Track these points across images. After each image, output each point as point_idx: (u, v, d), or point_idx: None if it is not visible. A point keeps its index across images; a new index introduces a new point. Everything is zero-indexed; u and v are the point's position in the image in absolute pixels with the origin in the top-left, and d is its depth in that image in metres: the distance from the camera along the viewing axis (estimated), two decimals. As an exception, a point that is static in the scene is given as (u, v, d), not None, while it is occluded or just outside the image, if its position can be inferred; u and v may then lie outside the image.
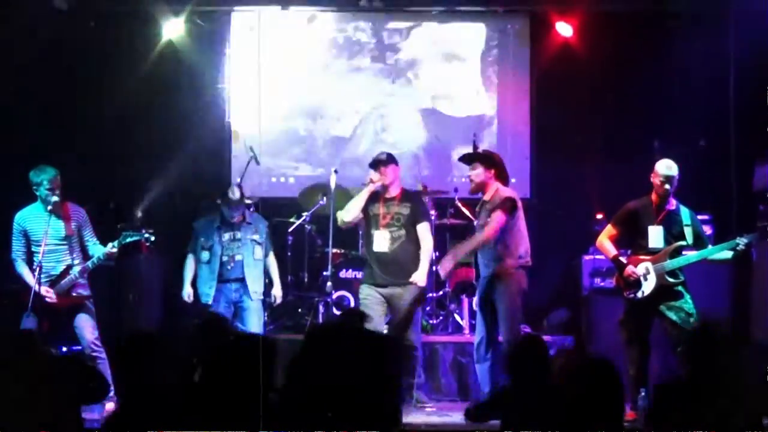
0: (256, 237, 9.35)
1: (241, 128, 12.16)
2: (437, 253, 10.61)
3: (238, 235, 9.31)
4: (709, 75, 11.08)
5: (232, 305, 9.26)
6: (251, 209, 10.35)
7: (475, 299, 8.84)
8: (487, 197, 8.58)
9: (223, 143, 12.26)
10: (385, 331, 8.95)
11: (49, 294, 8.37)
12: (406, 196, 9.14)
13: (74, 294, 8.54)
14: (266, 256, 9.44)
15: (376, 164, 9.03)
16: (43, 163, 8.59)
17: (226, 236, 9.30)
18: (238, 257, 9.28)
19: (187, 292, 9.32)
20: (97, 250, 8.60)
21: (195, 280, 9.40)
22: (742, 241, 8.21)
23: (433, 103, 12.41)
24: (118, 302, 10.29)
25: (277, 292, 9.50)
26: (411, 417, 8.39)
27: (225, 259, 9.25)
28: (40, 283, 8.33)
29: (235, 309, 9.27)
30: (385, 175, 8.97)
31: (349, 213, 9.06)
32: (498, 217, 8.35)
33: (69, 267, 8.52)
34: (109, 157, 11.48)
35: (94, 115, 11.43)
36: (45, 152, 9.69)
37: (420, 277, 8.89)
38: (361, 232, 10.26)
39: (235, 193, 9.28)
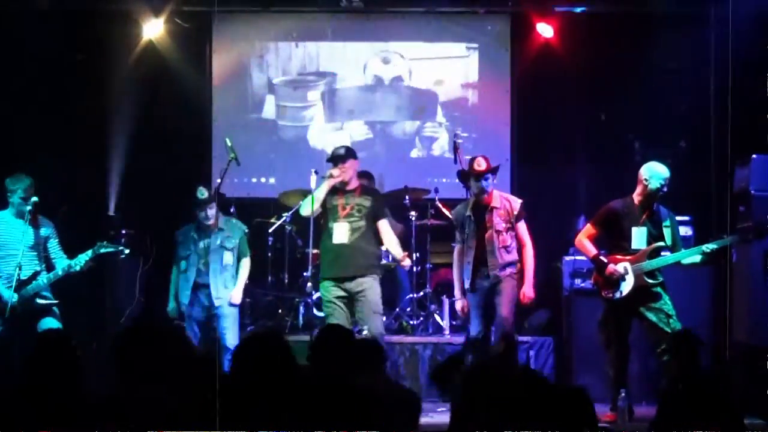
0: (226, 243, 9.17)
1: (223, 129, 12.16)
2: (417, 254, 10.65)
3: (209, 241, 9.16)
4: (690, 76, 11.11)
5: (205, 310, 9.12)
6: (232, 210, 10.32)
7: (473, 299, 8.80)
8: (495, 203, 8.77)
9: (204, 144, 12.24)
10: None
11: (12, 299, 8.34)
12: (366, 189, 9.12)
13: (39, 300, 8.51)
14: (238, 260, 9.27)
15: (335, 159, 8.88)
16: (25, 163, 8.61)
17: (201, 244, 9.16)
18: (207, 264, 9.14)
19: (172, 308, 9.19)
20: (63, 262, 8.59)
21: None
22: (708, 247, 8.24)
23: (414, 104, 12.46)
24: (94, 304, 10.26)
25: (234, 294, 9.18)
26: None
27: (200, 267, 9.14)
28: (18, 286, 8.34)
29: (209, 314, 9.13)
30: (344, 170, 8.83)
31: (307, 207, 8.87)
32: (526, 227, 8.85)
33: (36, 273, 8.49)
34: (89, 158, 11.44)
35: (73, 115, 11.39)
36: (24, 152, 9.68)
37: (405, 260, 9.09)
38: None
39: (203, 193, 9.09)
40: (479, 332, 8.70)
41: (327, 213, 8.87)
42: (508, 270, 8.70)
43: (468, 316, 9.00)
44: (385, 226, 8.99)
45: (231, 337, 9.05)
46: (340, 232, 8.78)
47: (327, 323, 8.33)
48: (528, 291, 8.72)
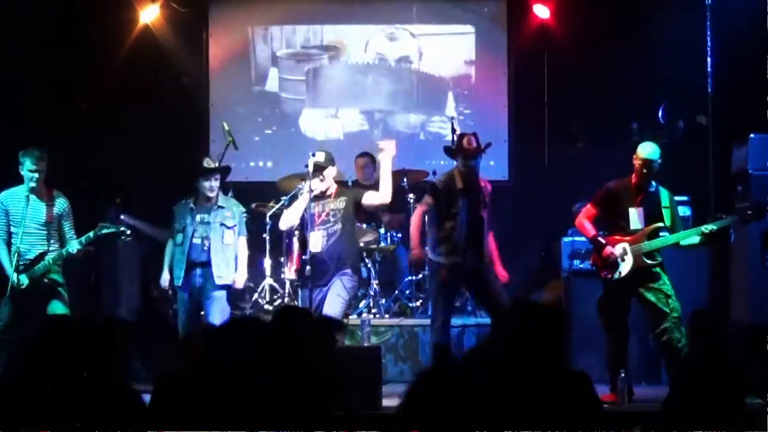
0: (227, 222, 9.06)
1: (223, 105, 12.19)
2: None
3: (208, 218, 9.04)
4: (687, 56, 11.09)
5: (196, 291, 9.02)
6: (229, 194, 10.32)
7: (451, 277, 8.68)
8: (483, 184, 8.75)
9: (201, 128, 12.24)
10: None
11: (20, 280, 8.36)
12: (341, 191, 8.87)
13: (47, 280, 8.51)
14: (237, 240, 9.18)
15: (317, 169, 8.65)
16: (19, 148, 8.60)
17: (198, 218, 9.04)
18: (206, 241, 9.01)
19: (165, 278, 9.10)
20: (72, 245, 8.59)
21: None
22: (708, 228, 8.22)
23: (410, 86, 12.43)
24: (95, 288, 10.26)
25: (238, 277, 9.13)
26: (389, 400, 8.34)
27: (196, 241, 9.01)
28: (18, 270, 8.33)
29: (198, 297, 9.03)
30: (326, 179, 8.70)
31: (286, 223, 8.85)
32: None
33: (44, 253, 8.49)
34: (87, 142, 11.43)
35: (71, 100, 11.39)
36: (21, 137, 9.68)
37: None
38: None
39: (209, 163, 9.07)
40: (443, 321, 8.67)
41: (304, 222, 8.73)
42: (489, 253, 8.76)
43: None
44: (370, 192, 8.81)
45: (219, 321, 8.99)
46: (315, 241, 8.62)
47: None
48: (503, 271, 8.85)
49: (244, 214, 9.32)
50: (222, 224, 9.06)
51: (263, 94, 12.51)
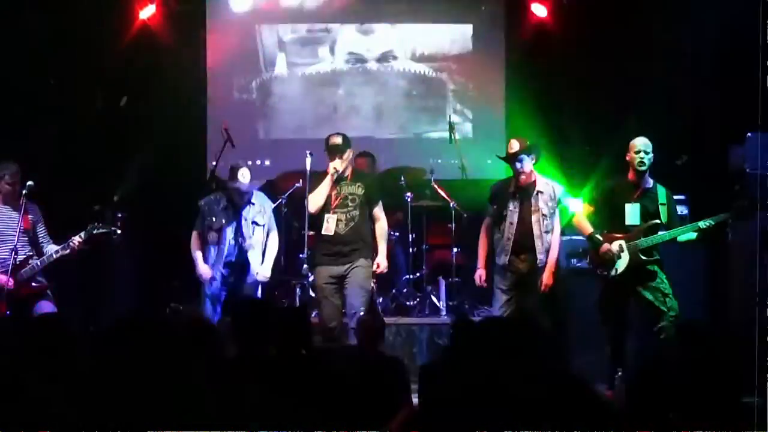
0: (258, 218, 9.10)
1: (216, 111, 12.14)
2: (413, 235, 10.63)
3: (242, 215, 9.06)
4: (685, 55, 11.09)
5: (225, 289, 9.09)
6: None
7: (503, 278, 8.79)
8: (540, 187, 8.73)
9: (198, 126, 12.21)
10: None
11: (9, 283, 8.34)
12: (358, 175, 9.04)
13: (33, 284, 8.52)
14: (267, 235, 9.20)
15: (334, 151, 8.83)
16: (18, 147, 8.61)
17: (234, 217, 9.06)
18: (241, 239, 9.06)
19: (204, 270, 9.05)
20: (51, 248, 8.58)
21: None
22: (705, 223, 8.23)
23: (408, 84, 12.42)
24: (91, 289, 10.25)
25: (263, 269, 9.15)
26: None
27: (233, 241, 9.05)
28: (13, 271, 8.33)
29: (227, 292, 9.09)
30: (344, 160, 8.84)
31: (314, 205, 8.84)
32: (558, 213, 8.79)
33: (29, 257, 8.50)
34: (84, 140, 11.41)
35: (68, 97, 11.37)
36: (18, 135, 9.68)
37: (383, 261, 8.91)
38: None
39: (245, 177, 8.98)
40: (502, 312, 8.69)
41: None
42: (545, 258, 8.69)
43: (485, 286, 9.12)
44: (378, 212, 8.99)
45: None
46: (332, 223, 8.77)
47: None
48: (547, 278, 8.67)
49: (271, 210, 9.36)
50: (254, 222, 9.11)
51: (271, 81, 12.51)
